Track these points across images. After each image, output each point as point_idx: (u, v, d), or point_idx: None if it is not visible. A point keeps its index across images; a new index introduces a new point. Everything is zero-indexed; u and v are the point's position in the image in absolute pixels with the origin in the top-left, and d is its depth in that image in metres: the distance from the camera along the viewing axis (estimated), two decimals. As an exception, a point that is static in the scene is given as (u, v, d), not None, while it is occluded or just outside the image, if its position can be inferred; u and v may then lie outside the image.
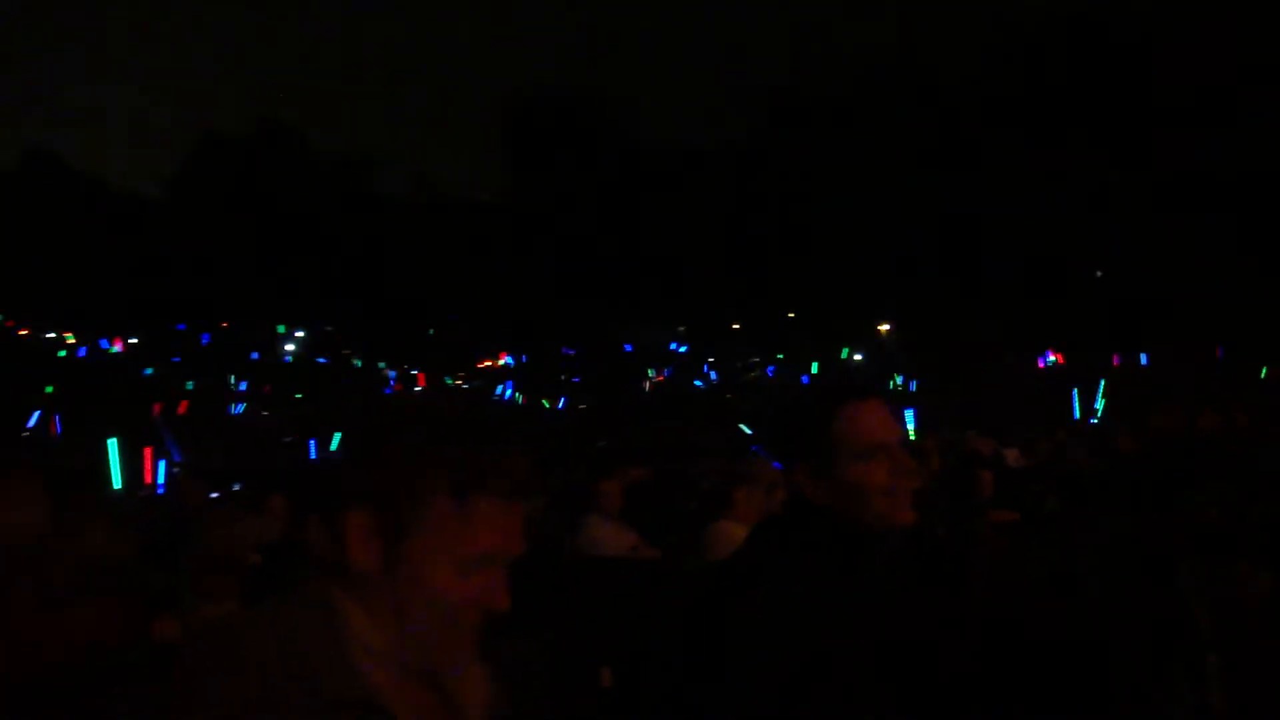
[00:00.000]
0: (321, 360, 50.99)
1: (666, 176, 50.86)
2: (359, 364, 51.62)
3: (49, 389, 42.72)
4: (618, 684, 3.19)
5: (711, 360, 49.84)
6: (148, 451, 20.18)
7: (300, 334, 53.89)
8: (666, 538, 7.84)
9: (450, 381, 48.79)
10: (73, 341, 51.13)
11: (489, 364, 51.62)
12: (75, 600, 2.50)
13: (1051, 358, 41.78)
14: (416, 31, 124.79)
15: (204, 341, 51.82)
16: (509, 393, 46.37)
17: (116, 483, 17.52)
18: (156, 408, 39.22)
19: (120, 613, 2.71)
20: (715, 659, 2.32)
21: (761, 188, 48.80)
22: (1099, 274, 44.24)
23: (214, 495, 11.87)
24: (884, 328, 48.58)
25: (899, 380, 39.83)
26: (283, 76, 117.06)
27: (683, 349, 51.19)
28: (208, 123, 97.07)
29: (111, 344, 51.55)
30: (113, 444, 17.79)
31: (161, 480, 20.24)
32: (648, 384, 48.45)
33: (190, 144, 60.94)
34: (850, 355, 46.66)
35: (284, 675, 1.48)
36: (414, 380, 48.80)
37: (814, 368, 44.38)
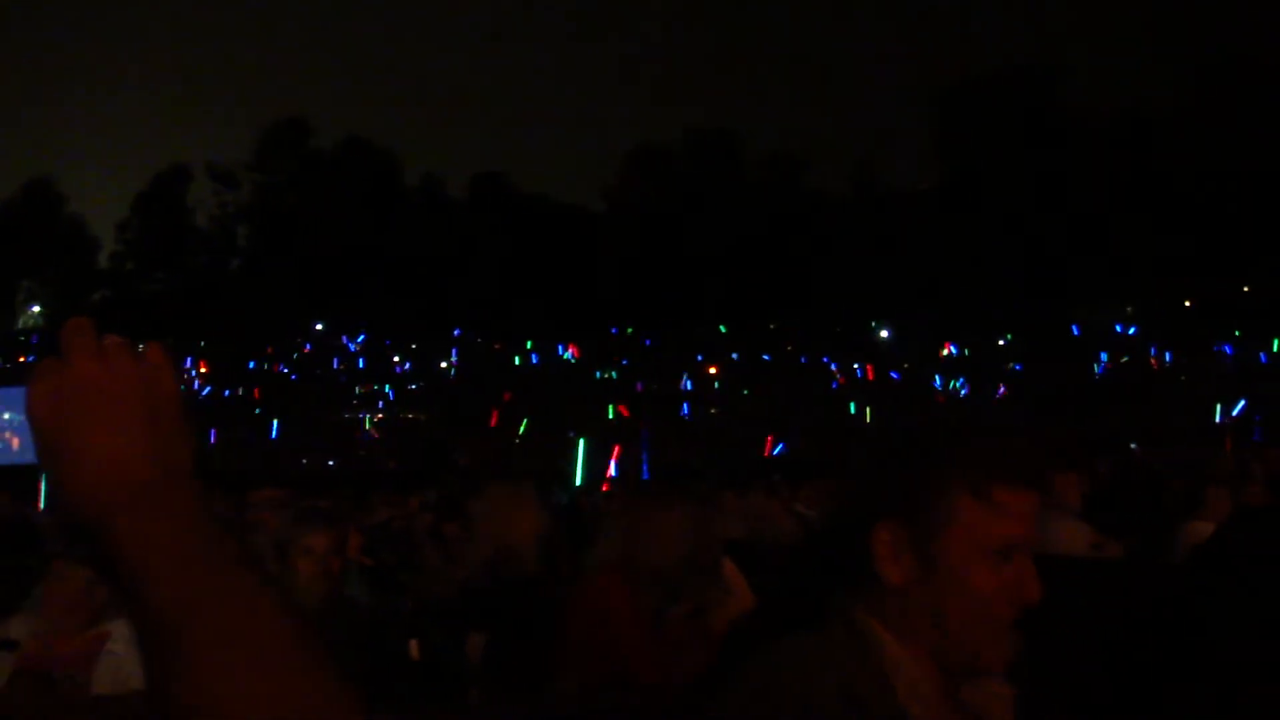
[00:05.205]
0: (766, 358, 51.75)
1: (1102, 147, 48.60)
2: (804, 360, 52.00)
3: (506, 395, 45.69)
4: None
5: (1163, 341, 46.96)
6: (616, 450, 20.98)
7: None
8: (1131, 535, 7.51)
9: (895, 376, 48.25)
10: (529, 348, 54.19)
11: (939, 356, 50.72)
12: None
13: None
14: (831, 22, 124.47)
15: (647, 344, 53.66)
16: (953, 385, 45.51)
17: (578, 480, 18.41)
18: (623, 409, 41.06)
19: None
20: (1195, 659, 2.26)
21: (1205, 153, 45.73)
22: None
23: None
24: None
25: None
26: (710, 81, 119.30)
27: (1132, 330, 48.48)
28: (639, 135, 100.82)
29: (566, 349, 54.29)
30: (580, 444, 18.69)
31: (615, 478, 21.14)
32: (1095, 368, 46.28)
33: (624, 157, 63.71)
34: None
35: (833, 712, 1.50)
36: (862, 375, 48.62)
37: (1275, 345, 41.14)
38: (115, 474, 0.90)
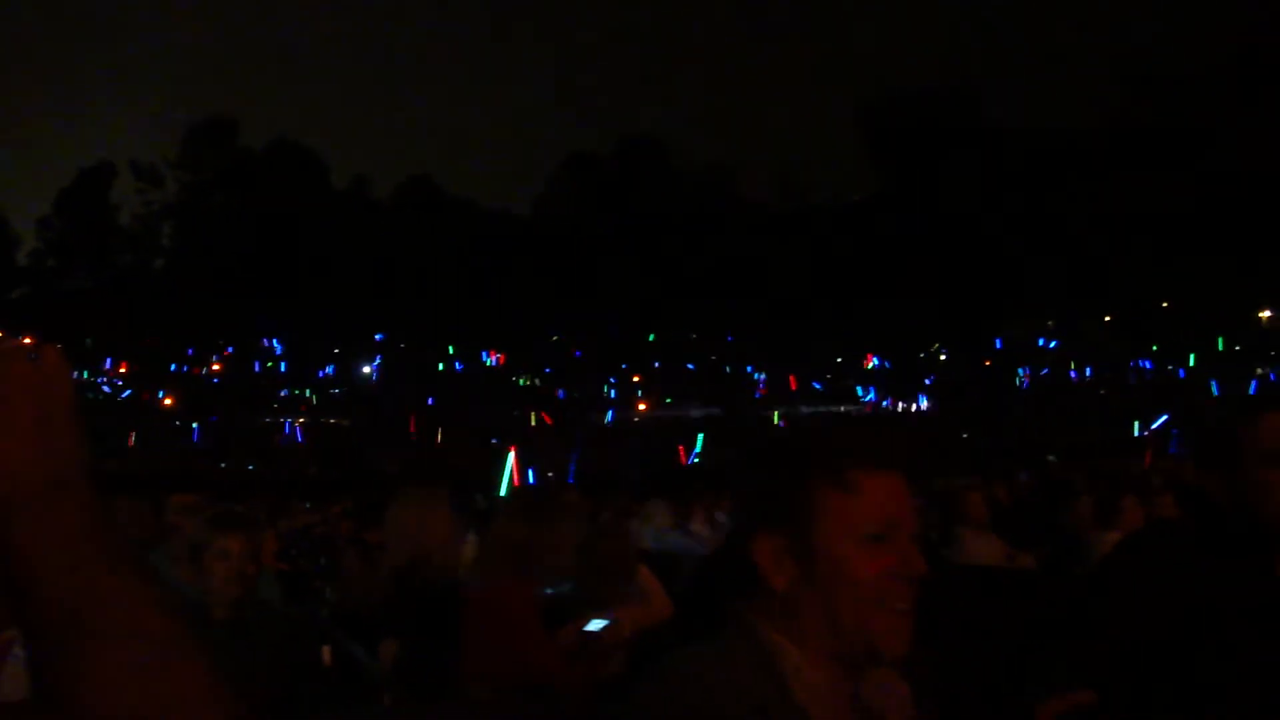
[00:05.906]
0: (690, 366, 51.85)
1: (1030, 165, 49.24)
2: (727, 369, 52.15)
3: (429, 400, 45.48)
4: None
5: (1083, 355, 47.63)
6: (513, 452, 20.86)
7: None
8: (1046, 547, 7.63)
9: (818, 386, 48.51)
10: (452, 354, 53.87)
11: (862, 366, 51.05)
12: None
13: None
14: (767, 35, 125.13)
15: (578, 355, 53.61)
16: (872, 395, 45.94)
17: (503, 490, 18.29)
18: (546, 417, 40.98)
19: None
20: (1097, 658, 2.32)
21: (1130, 172, 46.50)
22: None
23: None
24: (1265, 314, 44.93)
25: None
26: (642, 91, 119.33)
27: (1053, 344, 49.19)
28: (572, 142, 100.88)
29: (489, 356, 54.05)
30: (509, 456, 18.53)
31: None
32: (1019, 381, 46.90)
33: (556, 163, 63.65)
34: (1229, 345, 43.57)
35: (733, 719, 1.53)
36: (786, 384, 48.82)
37: (1191, 360, 41.98)
38: (3, 476, 0.91)
